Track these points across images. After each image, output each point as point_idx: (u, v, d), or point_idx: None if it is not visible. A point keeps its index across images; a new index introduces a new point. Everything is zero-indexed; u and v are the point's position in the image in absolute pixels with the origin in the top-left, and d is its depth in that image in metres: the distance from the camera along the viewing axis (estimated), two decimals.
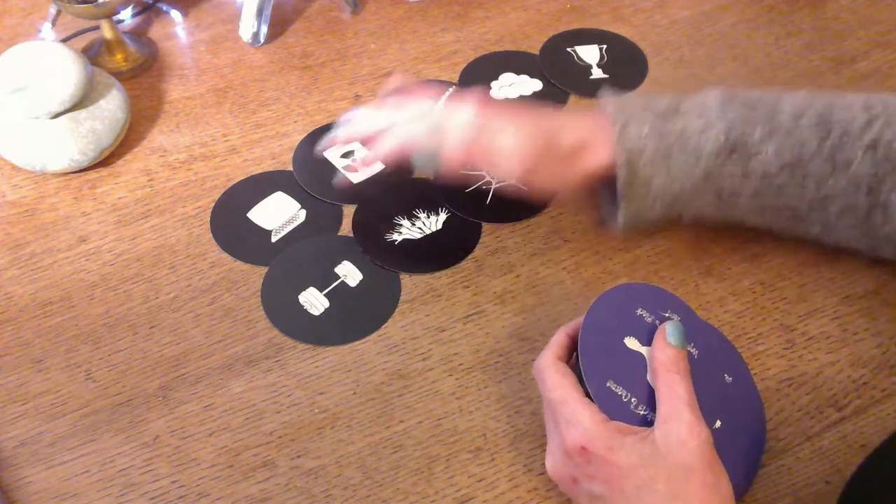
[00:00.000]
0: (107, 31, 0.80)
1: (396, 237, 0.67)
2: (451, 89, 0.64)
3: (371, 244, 0.67)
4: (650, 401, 0.48)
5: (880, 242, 0.59)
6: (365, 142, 0.64)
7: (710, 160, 0.57)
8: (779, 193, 0.58)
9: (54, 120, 0.70)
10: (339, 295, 0.64)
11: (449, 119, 0.59)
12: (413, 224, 0.68)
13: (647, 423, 0.47)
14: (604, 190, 0.62)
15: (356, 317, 0.62)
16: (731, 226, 0.63)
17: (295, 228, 0.68)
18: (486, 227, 0.68)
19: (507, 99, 0.79)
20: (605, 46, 0.85)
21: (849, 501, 0.49)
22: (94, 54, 0.82)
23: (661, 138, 0.57)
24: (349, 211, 0.70)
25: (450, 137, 0.59)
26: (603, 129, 0.58)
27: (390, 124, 0.61)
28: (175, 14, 0.88)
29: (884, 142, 0.56)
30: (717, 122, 0.57)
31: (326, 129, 0.76)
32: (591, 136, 0.59)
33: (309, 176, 0.72)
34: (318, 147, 0.72)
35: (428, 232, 0.68)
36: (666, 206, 0.59)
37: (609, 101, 0.60)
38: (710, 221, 0.62)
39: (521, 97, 0.79)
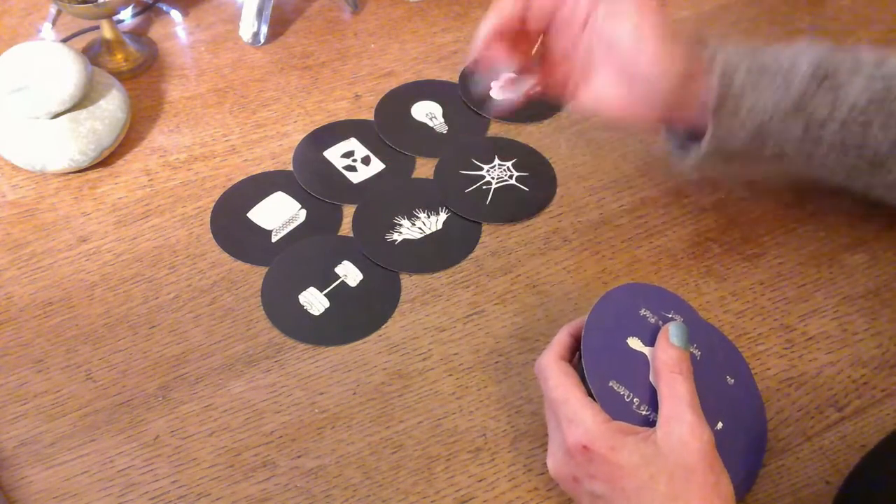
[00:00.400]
0: (107, 31, 0.80)
1: (396, 237, 0.67)
2: None
3: (371, 244, 0.67)
4: (652, 401, 0.48)
5: None
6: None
7: (801, 85, 0.58)
8: (863, 130, 0.58)
9: (54, 120, 0.70)
10: (339, 295, 0.64)
11: None
12: (413, 224, 0.68)
13: (649, 423, 0.47)
14: (681, 131, 0.62)
15: (356, 317, 0.62)
16: (803, 180, 0.64)
17: (295, 228, 0.68)
18: (486, 227, 0.68)
19: (508, 99, 0.79)
20: None
21: (845, 501, 0.49)
22: (94, 54, 0.82)
23: (754, 61, 0.58)
24: (349, 211, 0.70)
25: None
26: (700, 58, 0.59)
27: None
28: (175, 14, 0.88)
29: None
30: (808, 53, 0.58)
31: (327, 128, 0.76)
32: (694, 61, 0.58)
33: (309, 176, 0.72)
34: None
35: (428, 232, 0.68)
36: (752, 134, 0.59)
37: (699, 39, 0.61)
38: (787, 168, 0.62)
39: None
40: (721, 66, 0.57)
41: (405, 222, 0.68)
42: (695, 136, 0.60)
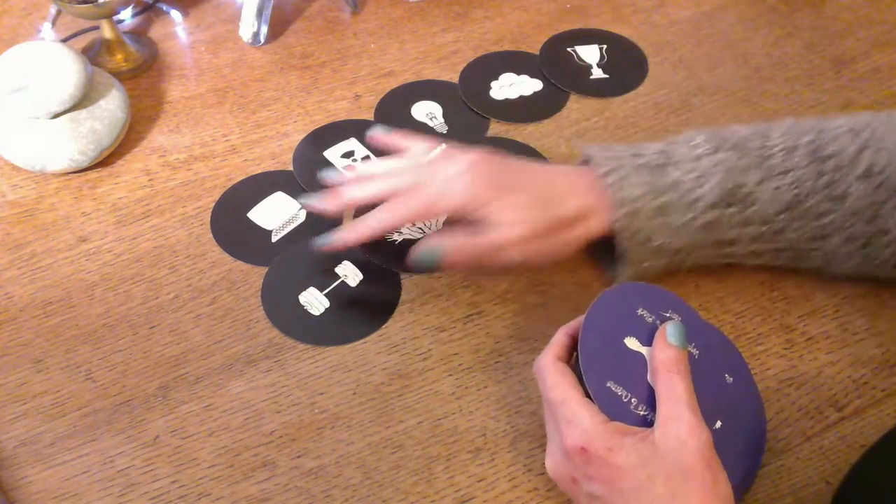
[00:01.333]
0: (107, 31, 0.80)
1: (396, 237, 0.67)
2: (441, 146, 0.61)
3: (371, 244, 0.67)
4: (650, 401, 0.48)
5: (883, 266, 0.59)
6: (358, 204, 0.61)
7: (707, 214, 0.57)
8: (778, 235, 0.58)
9: (54, 120, 0.70)
10: (339, 295, 0.64)
11: (442, 196, 0.57)
12: (413, 224, 0.68)
13: (647, 423, 0.47)
14: (601, 246, 0.61)
15: (356, 317, 0.62)
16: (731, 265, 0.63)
17: (295, 228, 0.68)
18: None
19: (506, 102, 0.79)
20: (605, 46, 0.85)
21: (844, 500, 0.49)
22: (94, 54, 0.82)
23: (656, 196, 0.57)
24: (349, 211, 0.70)
25: (446, 240, 0.57)
26: (598, 191, 0.57)
27: (380, 192, 0.59)
28: (175, 14, 0.88)
29: (877, 169, 0.56)
30: (711, 174, 0.57)
31: (327, 129, 0.76)
32: (589, 201, 0.57)
33: (309, 176, 0.72)
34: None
35: (428, 232, 0.68)
36: (666, 261, 0.60)
37: (597, 155, 0.59)
38: (711, 265, 0.62)
39: (521, 97, 0.79)
40: (623, 212, 0.56)
41: None
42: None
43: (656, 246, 0.58)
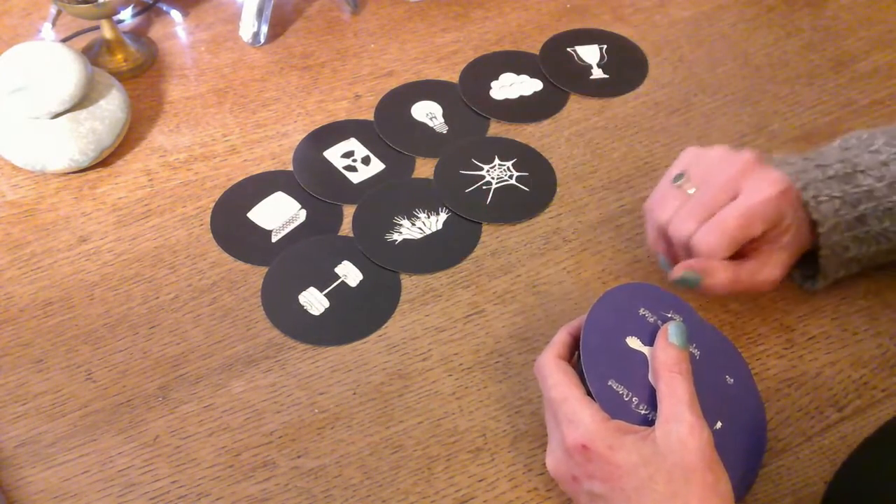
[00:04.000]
0: (107, 31, 0.80)
1: (396, 237, 0.67)
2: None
3: (371, 244, 0.67)
4: (651, 400, 0.48)
5: None
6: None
7: None
8: None
9: (54, 120, 0.70)
10: (339, 295, 0.64)
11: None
12: (413, 224, 0.68)
13: (648, 422, 0.47)
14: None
15: (356, 317, 0.62)
16: None
17: (295, 228, 0.68)
18: (486, 227, 0.68)
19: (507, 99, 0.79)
20: (605, 46, 0.85)
21: (836, 496, 0.49)
22: (94, 54, 0.82)
23: (852, 206, 0.57)
24: (349, 211, 0.70)
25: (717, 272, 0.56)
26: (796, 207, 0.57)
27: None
28: (175, 14, 0.88)
29: None
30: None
31: (327, 128, 0.76)
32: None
33: (309, 176, 0.72)
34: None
35: (428, 232, 0.68)
36: (859, 269, 0.61)
37: (783, 169, 0.58)
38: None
39: (521, 97, 0.79)
40: (823, 225, 0.57)
41: (405, 222, 0.68)
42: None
43: (852, 256, 0.59)
